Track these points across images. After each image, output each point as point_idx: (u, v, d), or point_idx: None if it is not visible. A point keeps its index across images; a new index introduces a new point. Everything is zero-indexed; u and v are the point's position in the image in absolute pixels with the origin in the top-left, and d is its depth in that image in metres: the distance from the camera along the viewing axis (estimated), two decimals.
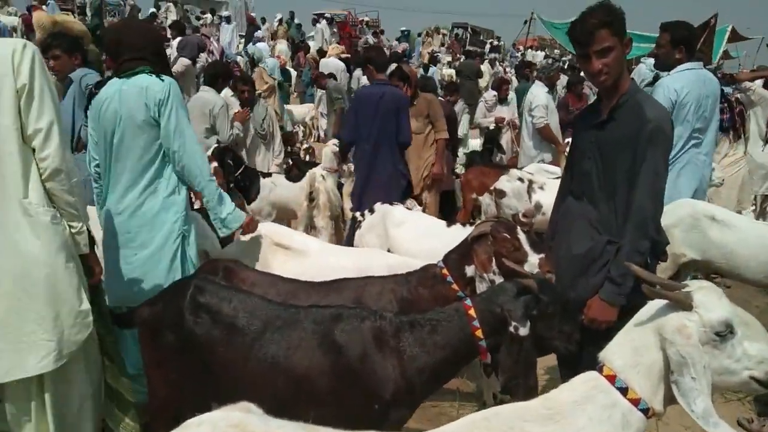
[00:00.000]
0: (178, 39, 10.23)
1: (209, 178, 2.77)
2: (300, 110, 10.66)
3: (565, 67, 13.42)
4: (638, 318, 1.52)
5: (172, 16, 15.63)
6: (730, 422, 3.42)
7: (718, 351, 1.43)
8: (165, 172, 2.72)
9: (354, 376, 2.00)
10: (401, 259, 3.03)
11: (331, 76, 10.14)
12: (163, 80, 2.64)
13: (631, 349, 1.47)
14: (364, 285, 2.53)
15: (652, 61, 5.21)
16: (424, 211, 4.38)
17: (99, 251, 2.49)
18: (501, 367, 1.94)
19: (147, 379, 2.31)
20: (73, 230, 2.09)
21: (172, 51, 9.66)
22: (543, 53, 20.19)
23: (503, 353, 1.94)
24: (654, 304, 1.50)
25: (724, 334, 1.41)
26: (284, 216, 5.70)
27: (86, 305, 2.07)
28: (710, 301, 1.43)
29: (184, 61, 8.74)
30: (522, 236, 2.46)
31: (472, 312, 1.99)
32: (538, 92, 6.24)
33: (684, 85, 3.88)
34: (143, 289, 2.65)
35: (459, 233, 3.32)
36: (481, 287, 2.42)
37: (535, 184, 4.92)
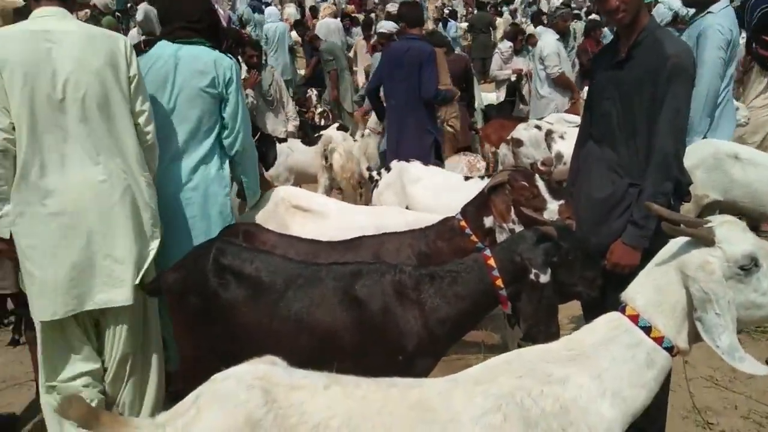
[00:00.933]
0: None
1: (255, 159, 2.96)
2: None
3: (582, 13, 12.96)
4: (660, 256, 1.49)
5: None
6: (760, 361, 3.41)
7: (743, 285, 1.40)
8: (217, 145, 2.78)
9: (377, 329, 2.02)
10: (419, 215, 3.02)
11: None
12: (230, 57, 2.75)
13: (653, 288, 1.45)
14: (382, 242, 2.53)
15: (673, 2, 4.96)
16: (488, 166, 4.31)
17: None
18: (522, 315, 1.94)
19: (177, 343, 2.37)
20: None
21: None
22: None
23: (524, 301, 1.93)
24: (676, 242, 1.47)
25: (748, 267, 1.38)
26: (302, 180, 5.73)
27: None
28: (733, 235, 1.39)
29: None
30: (540, 183, 2.43)
31: (491, 262, 1.98)
32: (547, 40, 6.09)
33: (732, 24, 3.71)
34: None
35: (477, 186, 3.28)
36: (501, 237, 2.40)
37: (555, 133, 4.83)
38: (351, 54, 9.43)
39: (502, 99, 7.53)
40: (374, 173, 3.91)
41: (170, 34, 2.70)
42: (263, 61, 6.12)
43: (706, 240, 1.40)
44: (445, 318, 2.02)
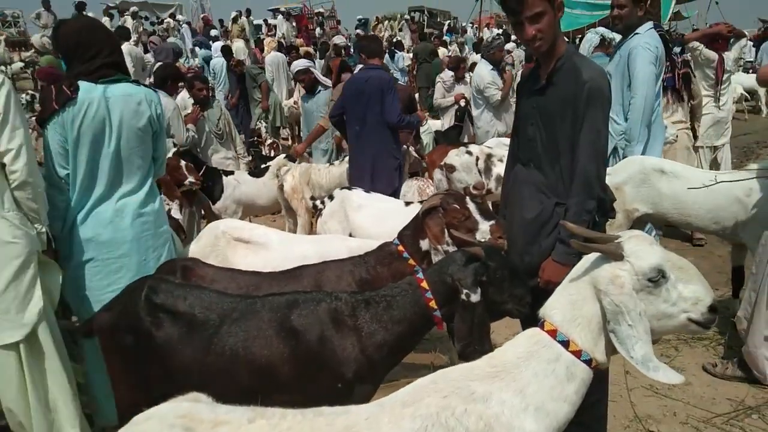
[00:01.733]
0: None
1: None
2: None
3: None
4: (574, 273, 1.56)
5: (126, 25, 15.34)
6: (696, 368, 3.56)
7: (654, 296, 1.47)
8: (153, 178, 2.83)
9: (315, 358, 2.02)
10: (361, 242, 3.04)
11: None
12: (155, 91, 2.82)
13: (569, 303, 1.51)
14: (323, 270, 2.54)
15: (599, 29, 5.26)
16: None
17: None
18: (456, 335, 1.98)
19: (112, 384, 2.30)
20: (36, 230, 2.42)
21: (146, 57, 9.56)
22: (501, 30, 20.27)
23: (457, 321, 1.97)
24: (588, 258, 1.54)
25: (656, 279, 1.45)
26: (250, 212, 5.69)
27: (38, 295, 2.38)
28: (641, 249, 1.47)
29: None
30: (471, 205, 2.49)
31: (424, 284, 2.02)
32: (481, 71, 6.36)
33: (658, 42, 3.97)
34: None
35: (417, 211, 3.35)
36: (437, 259, 2.45)
37: (495, 157, 4.97)
38: (296, 92, 9.53)
39: (446, 126, 7.70)
40: (317, 202, 3.93)
41: (91, 74, 2.61)
42: (211, 96, 6.09)
43: (615, 255, 1.47)
44: (383, 342, 2.04)
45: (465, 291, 1.95)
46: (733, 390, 3.30)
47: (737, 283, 4.04)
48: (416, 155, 5.45)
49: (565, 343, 1.47)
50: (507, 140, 5.75)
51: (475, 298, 1.94)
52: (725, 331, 3.82)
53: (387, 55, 12.53)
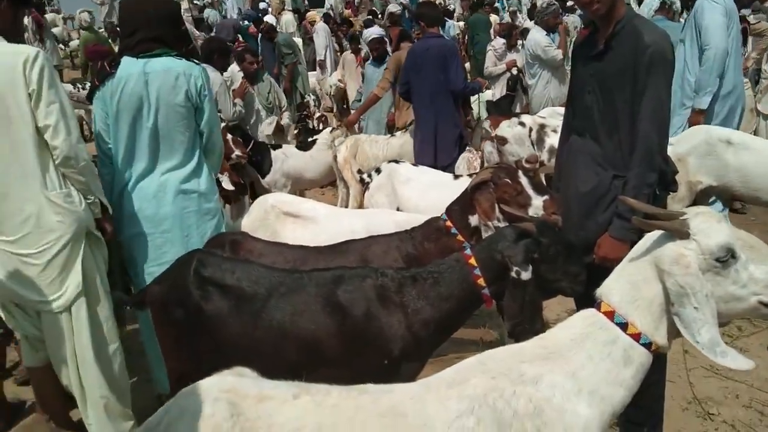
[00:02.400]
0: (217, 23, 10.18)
1: (222, 156, 3.05)
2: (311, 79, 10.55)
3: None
4: (635, 251, 1.46)
5: None
6: (761, 349, 3.37)
7: (721, 277, 1.36)
8: (201, 153, 2.80)
9: (360, 334, 2.00)
10: (409, 216, 3.00)
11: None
12: (198, 64, 2.75)
13: (628, 284, 1.42)
14: (369, 245, 2.51)
15: None
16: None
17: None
18: (506, 313, 1.92)
19: (164, 359, 2.35)
20: (88, 202, 2.46)
21: None
22: None
23: (507, 299, 1.91)
24: (651, 236, 1.44)
25: (725, 259, 1.34)
26: (299, 186, 5.71)
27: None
28: (708, 227, 1.36)
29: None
30: (524, 180, 2.39)
31: (472, 261, 1.96)
32: (536, 37, 6.10)
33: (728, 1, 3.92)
34: None
35: (466, 184, 3.27)
36: (486, 236, 2.37)
37: (548, 127, 4.78)
38: (339, 68, 9.37)
39: (497, 96, 7.47)
40: (365, 175, 3.89)
41: (131, 48, 2.62)
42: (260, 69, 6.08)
43: (680, 233, 1.37)
44: (429, 320, 1.99)
45: (515, 268, 1.88)
46: None
47: None
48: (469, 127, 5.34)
49: (623, 326, 1.39)
50: (561, 110, 5.50)
51: (525, 275, 1.87)
52: None
53: None
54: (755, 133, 5.36)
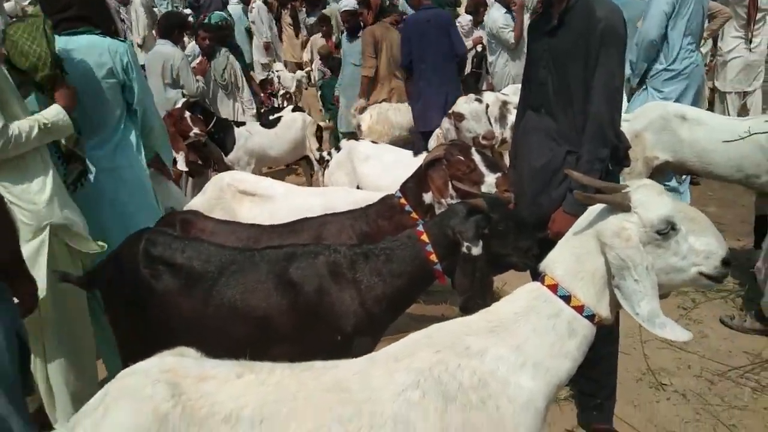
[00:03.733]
0: None
1: (166, 133, 2.98)
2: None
3: None
4: (578, 224, 1.47)
5: None
6: (713, 320, 3.47)
7: (662, 249, 1.37)
8: (131, 130, 2.72)
9: (313, 311, 1.99)
10: (366, 195, 2.97)
11: None
12: (123, 41, 2.68)
13: (572, 256, 1.43)
14: (323, 223, 2.48)
15: None
16: None
17: None
18: (458, 288, 1.92)
19: (115, 337, 2.31)
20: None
21: (134, 7, 9.26)
22: None
23: (458, 274, 1.91)
24: (593, 209, 1.45)
25: (665, 231, 1.35)
26: (263, 164, 5.63)
27: None
28: (649, 200, 1.37)
29: None
30: (477, 157, 2.39)
31: (424, 237, 1.95)
32: (493, 14, 6.11)
33: None
34: None
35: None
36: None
37: (511, 104, 4.77)
38: (306, 52, 9.15)
39: (464, 74, 7.44)
40: (324, 153, 3.84)
41: (54, 27, 2.50)
42: (216, 45, 5.91)
43: (622, 206, 1.38)
44: (382, 296, 1.99)
45: (466, 244, 1.88)
46: (750, 343, 3.22)
47: (760, 233, 3.90)
48: None
49: (567, 298, 1.40)
50: None
51: (476, 251, 1.87)
52: (745, 283, 3.71)
53: None
54: (710, 109, 5.47)
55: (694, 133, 3.52)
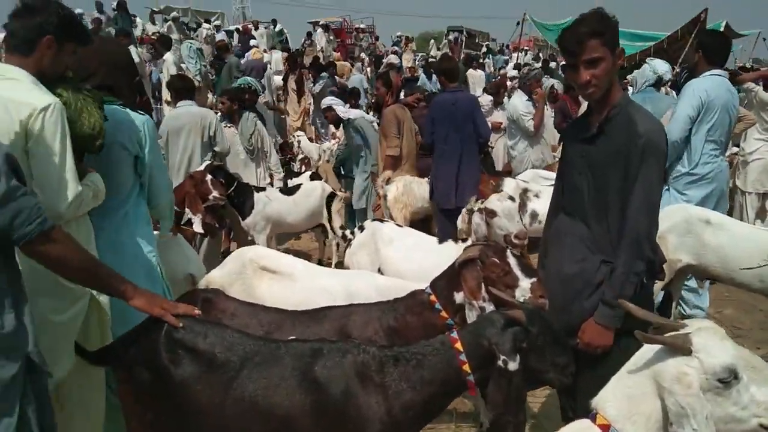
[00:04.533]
0: (241, 61, 10.41)
1: (172, 207, 2.98)
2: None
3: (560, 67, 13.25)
4: (634, 362, 1.41)
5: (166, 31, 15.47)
6: None
7: (722, 398, 1.31)
8: (141, 203, 2.67)
9: (337, 414, 1.90)
10: (390, 281, 2.93)
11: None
12: (141, 114, 2.66)
13: (625, 397, 1.36)
14: (349, 314, 2.41)
15: (658, 61, 5.04)
16: None
17: None
18: (489, 403, 1.84)
19: (125, 420, 2.21)
20: None
21: (167, 65, 9.57)
22: (531, 54, 20.13)
23: (492, 388, 1.83)
24: (650, 347, 1.39)
25: (727, 380, 1.30)
26: (279, 230, 5.62)
27: None
28: (712, 345, 1.32)
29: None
30: (512, 260, 2.34)
31: (458, 345, 1.88)
32: (515, 102, 6.28)
33: (711, 87, 4.00)
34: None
35: (451, 250, 3.22)
36: (470, 315, 2.30)
37: (531, 191, 4.81)
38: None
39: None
40: (347, 232, 3.82)
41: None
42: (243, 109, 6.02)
43: (682, 349, 1.32)
44: (410, 403, 1.90)
45: (503, 357, 1.81)
46: None
47: None
48: None
49: None
50: (544, 173, 5.60)
51: (513, 366, 1.80)
52: None
53: (423, 76, 12.40)
54: (731, 208, 5.49)
55: (717, 238, 3.50)
